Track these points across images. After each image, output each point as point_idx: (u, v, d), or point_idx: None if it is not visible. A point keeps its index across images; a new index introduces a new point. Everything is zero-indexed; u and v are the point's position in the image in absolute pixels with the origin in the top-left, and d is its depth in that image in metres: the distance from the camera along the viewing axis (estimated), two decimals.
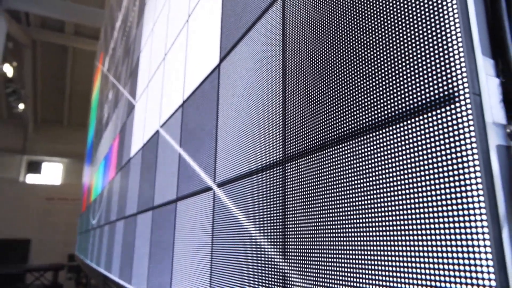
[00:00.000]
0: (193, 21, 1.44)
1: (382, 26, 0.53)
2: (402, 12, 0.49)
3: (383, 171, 0.49)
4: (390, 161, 0.48)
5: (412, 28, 0.48)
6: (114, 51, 3.93)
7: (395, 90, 0.49)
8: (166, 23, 1.87)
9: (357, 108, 0.55)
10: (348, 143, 0.56)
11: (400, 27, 0.50)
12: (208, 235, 1.04)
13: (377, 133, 0.51)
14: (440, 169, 0.42)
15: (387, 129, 0.50)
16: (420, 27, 0.47)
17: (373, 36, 0.54)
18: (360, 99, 0.55)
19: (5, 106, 8.52)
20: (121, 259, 2.18)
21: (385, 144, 0.50)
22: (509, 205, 0.39)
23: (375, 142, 0.51)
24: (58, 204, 8.49)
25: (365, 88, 0.54)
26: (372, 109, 0.53)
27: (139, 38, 2.62)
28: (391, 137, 0.49)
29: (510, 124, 0.43)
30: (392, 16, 0.51)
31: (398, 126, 0.48)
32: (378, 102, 0.52)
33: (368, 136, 0.53)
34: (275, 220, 0.73)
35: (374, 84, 0.53)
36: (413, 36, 0.47)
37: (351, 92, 0.57)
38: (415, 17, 0.47)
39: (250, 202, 0.84)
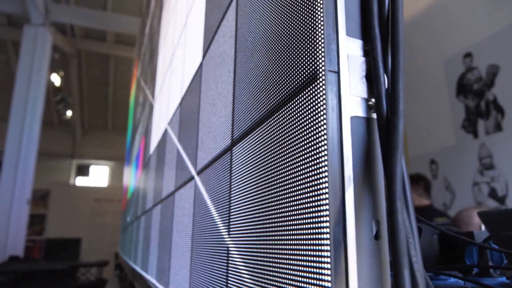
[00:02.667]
0: (190, 21, 1.53)
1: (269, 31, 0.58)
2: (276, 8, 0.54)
3: (274, 149, 0.54)
4: (279, 137, 0.54)
5: (287, 19, 0.53)
6: (144, 56, 4.13)
7: (282, 75, 0.55)
8: (173, 25, 1.98)
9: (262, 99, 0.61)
10: (264, 123, 0.62)
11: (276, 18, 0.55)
12: (190, 220, 1.12)
13: (270, 119, 0.57)
14: (304, 143, 0.47)
15: (277, 113, 0.55)
16: (292, 17, 0.51)
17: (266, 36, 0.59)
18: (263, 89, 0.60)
19: (55, 114, 9.12)
20: (142, 251, 2.32)
21: (275, 126, 0.55)
22: (358, 168, 0.43)
23: (270, 127, 0.57)
24: (105, 205, 8.98)
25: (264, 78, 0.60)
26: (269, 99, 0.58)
27: (157, 41, 2.77)
28: (280, 119, 0.54)
29: (372, 98, 0.47)
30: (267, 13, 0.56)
31: (285, 107, 0.53)
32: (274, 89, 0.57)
33: (267, 122, 0.58)
34: (224, 201, 0.80)
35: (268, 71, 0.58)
36: (289, 26, 0.52)
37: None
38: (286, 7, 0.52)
39: (213, 185, 0.91)
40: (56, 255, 8.21)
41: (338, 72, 0.46)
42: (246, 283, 0.62)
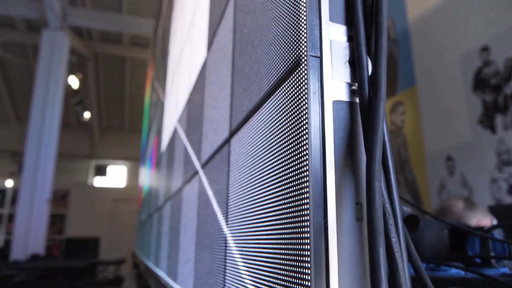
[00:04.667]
0: (196, 19, 1.55)
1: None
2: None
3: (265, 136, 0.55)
4: (269, 125, 0.54)
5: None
6: (157, 57, 4.19)
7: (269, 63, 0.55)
8: (182, 24, 2.00)
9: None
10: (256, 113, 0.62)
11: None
12: (195, 213, 1.13)
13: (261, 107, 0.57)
14: (289, 128, 0.47)
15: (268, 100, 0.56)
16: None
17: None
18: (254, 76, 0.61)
19: (73, 115, 9.31)
20: (154, 248, 2.36)
21: (266, 115, 0.56)
22: (340, 151, 0.44)
23: (260, 117, 0.57)
24: (123, 204, 9.12)
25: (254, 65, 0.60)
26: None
27: (168, 41, 2.80)
28: (270, 106, 0.55)
29: (355, 82, 0.47)
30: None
31: (272, 96, 0.54)
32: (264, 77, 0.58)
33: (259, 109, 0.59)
34: (223, 192, 0.81)
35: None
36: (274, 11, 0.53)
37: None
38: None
39: (214, 178, 0.92)
40: (76, 253, 8.39)
41: (320, 57, 0.46)
42: (240, 271, 0.63)
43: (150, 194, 3.24)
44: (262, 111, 0.59)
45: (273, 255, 0.49)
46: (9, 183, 8.87)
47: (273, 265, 0.49)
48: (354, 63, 0.47)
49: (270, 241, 0.51)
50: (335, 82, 0.46)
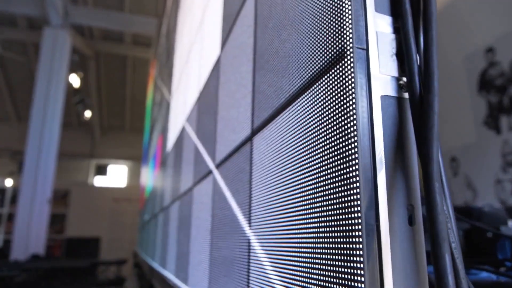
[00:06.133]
0: (207, 17, 1.52)
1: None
2: None
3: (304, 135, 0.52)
4: (305, 123, 0.51)
5: None
6: (161, 56, 4.16)
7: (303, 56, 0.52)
8: (190, 22, 1.97)
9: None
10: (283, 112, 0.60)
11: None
12: (209, 214, 1.10)
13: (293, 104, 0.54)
14: (332, 125, 0.44)
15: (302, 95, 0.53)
16: None
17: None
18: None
19: (74, 115, 9.26)
20: (160, 248, 2.33)
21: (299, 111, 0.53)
22: (390, 150, 0.41)
23: (294, 113, 0.54)
24: (124, 204, 9.08)
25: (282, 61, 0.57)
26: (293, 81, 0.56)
27: (174, 39, 2.77)
28: (304, 104, 0.52)
29: (403, 77, 0.44)
30: None
31: (310, 90, 0.51)
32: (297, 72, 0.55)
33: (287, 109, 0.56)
34: (244, 192, 0.78)
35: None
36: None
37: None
38: None
39: (233, 177, 0.89)
40: (76, 253, 8.34)
41: (366, 49, 0.43)
42: (268, 274, 0.60)
43: (155, 194, 3.21)
44: (294, 107, 0.56)
45: (309, 260, 0.47)
46: (8, 183, 8.83)
47: (310, 270, 0.46)
48: (401, 56, 0.44)
49: (307, 245, 0.48)
50: (382, 76, 0.43)
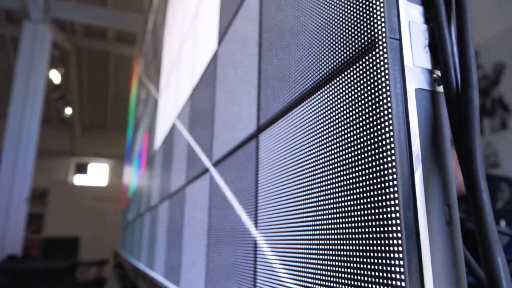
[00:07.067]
0: (201, 11, 1.48)
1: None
2: None
3: (328, 131, 0.49)
4: (329, 117, 0.49)
5: None
6: (147, 53, 4.08)
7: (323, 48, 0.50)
8: (181, 17, 1.92)
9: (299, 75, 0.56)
10: (297, 107, 0.57)
11: None
12: (205, 214, 1.06)
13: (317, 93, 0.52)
14: (362, 118, 0.42)
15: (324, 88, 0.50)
16: None
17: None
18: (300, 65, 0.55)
19: (54, 111, 9.04)
20: (147, 249, 2.27)
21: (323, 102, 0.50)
22: (425, 146, 0.39)
23: (317, 102, 0.52)
24: (105, 203, 8.90)
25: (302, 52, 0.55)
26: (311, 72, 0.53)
27: (162, 36, 2.71)
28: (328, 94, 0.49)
29: (437, 70, 0.42)
30: None
31: (330, 84, 0.48)
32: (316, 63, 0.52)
33: (311, 98, 0.53)
34: (249, 191, 0.75)
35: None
36: None
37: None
38: None
39: (235, 176, 0.86)
40: (54, 254, 8.13)
41: (400, 40, 0.41)
42: (279, 276, 0.57)
43: (140, 193, 3.14)
44: (311, 102, 0.54)
45: (332, 262, 0.44)
46: None
47: (334, 274, 0.43)
48: (434, 48, 0.42)
49: (328, 246, 0.45)
50: (416, 68, 0.41)
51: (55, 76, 7.35)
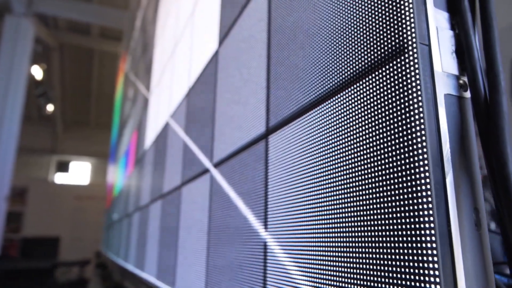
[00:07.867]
0: (199, 9, 1.47)
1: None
2: None
3: (346, 134, 0.50)
4: (351, 120, 0.49)
5: None
6: (134, 50, 4.03)
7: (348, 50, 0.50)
8: (175, 15, 1.91)
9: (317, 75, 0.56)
10: (315, 109, 0.57)
11: None
12: (205, 215, 1.06)
13: (340, 95, 0.52)
14: (391, 121, 0.42)
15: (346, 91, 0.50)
16: None
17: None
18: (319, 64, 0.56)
19: (35, 108, 8.84)
20: (136, 249, 2.24)
21: (346, 104, 0.50)
22: (455, 150, 0.39)
23: (339, 104, 0.52)
24: (87, 202, 8.75)
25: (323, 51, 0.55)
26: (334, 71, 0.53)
27: (153, 33, 2.68)
28: (351, 97, 0.49)
29: (463, 75, 0.42)
30: None
31: (354, 86, 0.49)
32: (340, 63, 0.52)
33: (333, 98, 0.53)
34: (258, 193, 0.74)
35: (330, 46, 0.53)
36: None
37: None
38: None
39: (241, 177, 0.85)
40: (33, 254, 7.94)
41: (429, 46, 0.41)
42: (293, 278, 0.57)
43: (127, 193, 3.10)
44: (331, 103, 0.54)
45: (356, 270, 0.44)
46: None
47: (360, 276, 0.44)
48: (460, 54, 0.43)
49: (351, 249, 0.46)
50: (444, 74, 0.41)
51: (37, 72, 7.20)
